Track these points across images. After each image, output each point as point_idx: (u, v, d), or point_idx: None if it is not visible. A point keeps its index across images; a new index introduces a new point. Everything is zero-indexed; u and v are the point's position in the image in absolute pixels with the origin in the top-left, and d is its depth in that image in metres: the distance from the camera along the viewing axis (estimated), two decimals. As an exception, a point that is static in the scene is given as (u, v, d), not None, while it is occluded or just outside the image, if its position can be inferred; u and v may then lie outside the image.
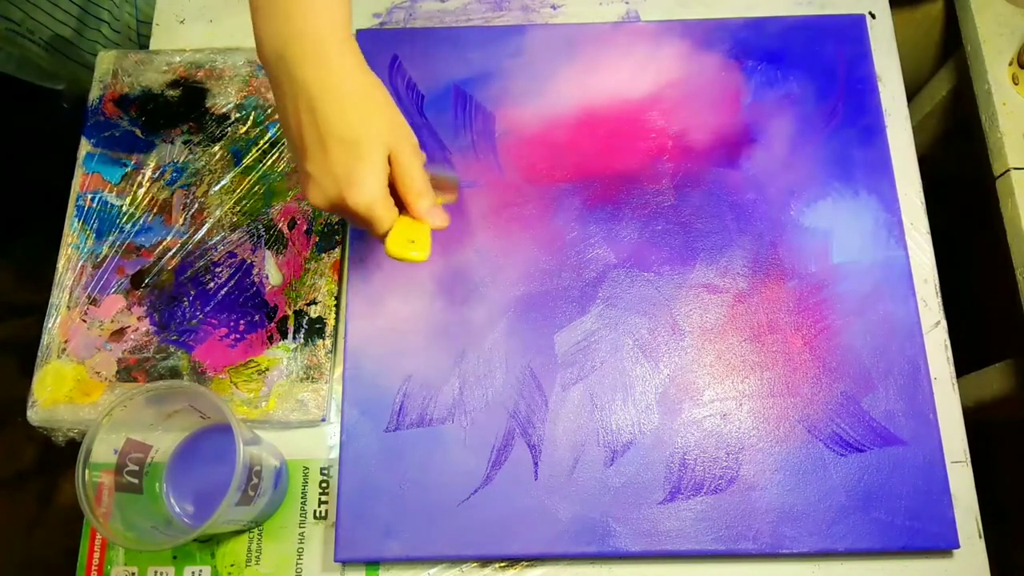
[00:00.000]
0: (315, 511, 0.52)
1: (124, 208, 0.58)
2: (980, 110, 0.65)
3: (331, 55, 0.40)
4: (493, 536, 0.49)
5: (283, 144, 0.60)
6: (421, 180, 0.42)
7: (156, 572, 0.50)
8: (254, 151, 0.60)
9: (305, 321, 0.55)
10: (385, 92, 0.42)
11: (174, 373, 0.54)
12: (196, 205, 0.58)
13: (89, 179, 0.59)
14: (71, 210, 0.58)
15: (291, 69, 0.39)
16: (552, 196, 0.57)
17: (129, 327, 0.55)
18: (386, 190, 0.41)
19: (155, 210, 0.58)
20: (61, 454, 0.54)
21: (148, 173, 0.59)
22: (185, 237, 0.57)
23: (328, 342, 0.54)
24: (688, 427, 0.51)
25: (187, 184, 0.59)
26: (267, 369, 0.54)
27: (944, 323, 0.56)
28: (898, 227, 0.56)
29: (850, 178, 0.57)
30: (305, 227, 0.57)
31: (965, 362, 0.61)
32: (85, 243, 0.57)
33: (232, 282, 0.56)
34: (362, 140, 0.39)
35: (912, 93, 0.83)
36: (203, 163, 0.59)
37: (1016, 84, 0.64)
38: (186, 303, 0.55)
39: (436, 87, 0.60)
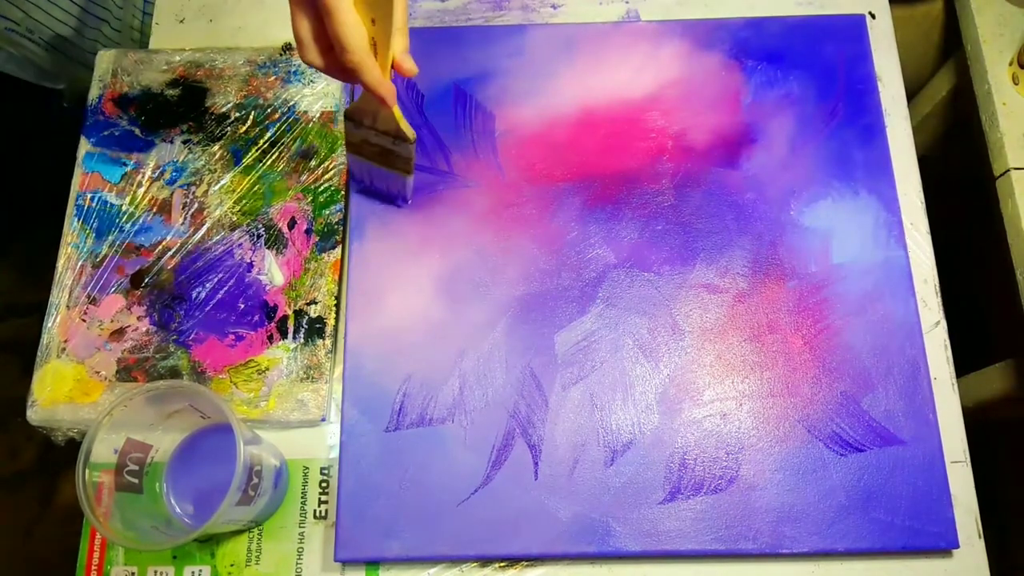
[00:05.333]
0: (315, 511, 0.52)
1: (124, 207, 0.58)
2: (980, 110, 0.65)
3: None
4: (493, 536, 0.49)
5: (283, 144, 0.60)
6: (401, 17, 0.42)
7: (156, 572, 0.50)
8: (254, 151, 0.59)
9: (305, 321, 0.55)
10: None
11: (174, 373, 0.54)
12: (196, 205, 0.58)
13: (89, 178, 0.59)
14: (71, 209, 0.58)
15: None
16: (552, 196, 0.57)
17: (129, 327, 0.55)
18: None
19: (155, 209, 0.58)
20: (61, 454, 0.54)
21: (148, 172, 0.59)
22: (185, 237, 0.57)
23: (328, 342, 0.54)
24: (688, 427, 0.51)
25: (187, 184, 0.59)
26: (267, 369, 0.54)
27: (944, 323, 0.56)
28: (898, 227, 0.56)
29: (850, 178, 0.57)
30: (305, 227, 0.57)
31: (965, 362, 0.61)
32: (85, 243, 0.57)
33: (232, 281, 0.56)
34: None
35: (912, 93, 0.83)
36: (203, 162, 0.59)
37: (1016, 84, 0.64)
38: (186, 303, 0.55)
39: (436, 87, 0.60)
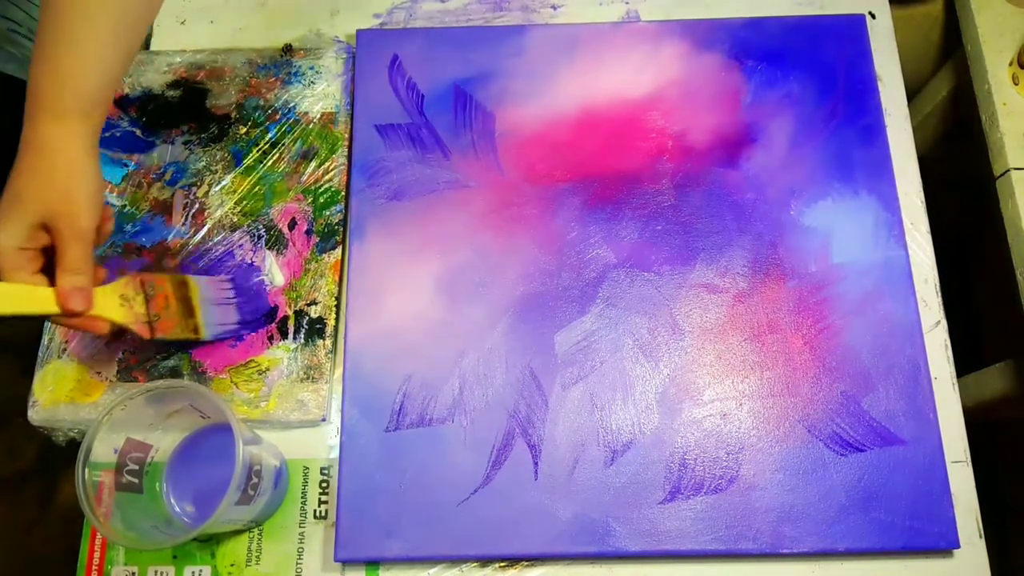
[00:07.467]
0: (315, 511, 0.52)
1: (125, 208, 0.58)
2: (980, 110, 0.65)
3: (46, 119, 0.43)
4: (493, 536, 0.49)
5: (283, 145, 0.60)
6: (72, 259, 0.43)
7: (156, 572, 0.50)
8: (254, 151, 0.60)
9: (305, 321, 0.55)
10: (80, 175, 0.43)
11: (174, 373, 0.54)
12: (197, 205, 0.58)
13: (90, 179, 0.59)
14: (72, 210, 0.58)
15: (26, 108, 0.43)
16: (552, 196, 0.57)
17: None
18: (16, 249, 0.42)
19: (156, 210, 0.58)
20: (61, 454, 0.54)
21: (149, 173, 0.59)
22: (186, 238, 0.57)
23: (328, 342, 0.54)
24: (688, 427, 0.51)
25: (188, 184, 0.59)
26: (267, 369, 0.54)
27: (944, 323, 0.56)
28: (898, 227, 0.56)
29: (850, 178, 0.57)
30: (305, 227, 0.57)
31: (965, 362, 0.61)
32: (85, 243, 0.57)
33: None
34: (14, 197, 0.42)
35: (912, 93, 0.83)
36: (203, 163, 0.59)
37: (1016, 84, 0.64)
38: (186, 303, 0.55)
39: (436, 87, 0.60)
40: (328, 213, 0.58)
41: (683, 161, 0.58)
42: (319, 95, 0.61)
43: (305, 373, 0.54)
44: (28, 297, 0.42)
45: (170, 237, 0.57)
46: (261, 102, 0.61)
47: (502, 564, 0.50)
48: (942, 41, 0.78)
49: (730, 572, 0.50)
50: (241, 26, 0.66)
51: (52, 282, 0.43)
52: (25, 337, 0.60)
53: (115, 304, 0.47)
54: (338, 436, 0.52)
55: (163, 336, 0.49)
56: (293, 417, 0.53)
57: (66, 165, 0.43)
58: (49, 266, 0.43)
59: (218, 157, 0.60)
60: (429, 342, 0.53)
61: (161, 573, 0.50)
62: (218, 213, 0.58)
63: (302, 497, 0.52)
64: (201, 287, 0.52)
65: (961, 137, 0.77)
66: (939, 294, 0.56)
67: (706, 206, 0.57)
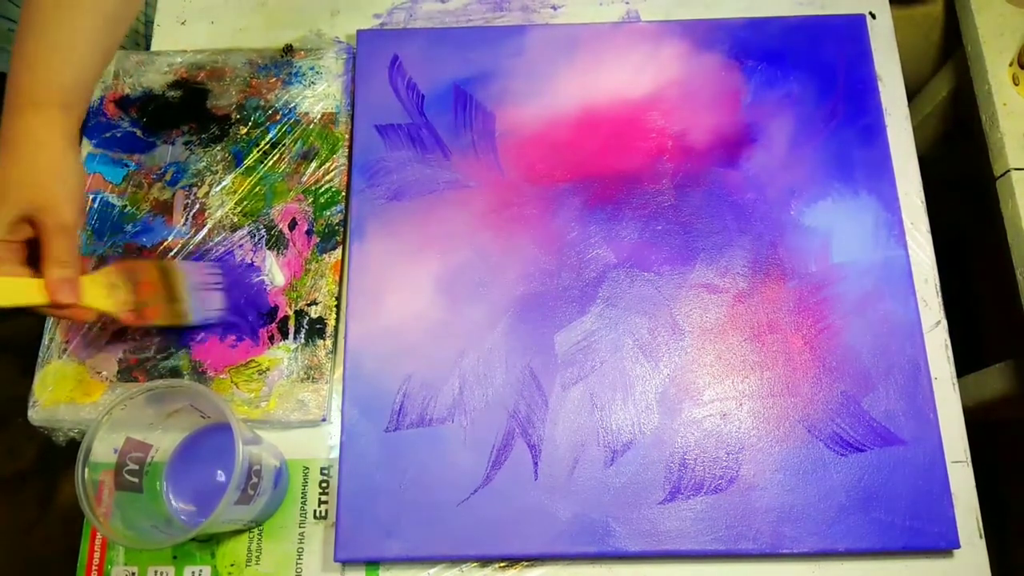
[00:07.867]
0: (315, 511, 0.52)
1: (125, 208, 0.58)
2: (980, 110, 0.65)
3: (27, 112, 0.42)
4: (493, 536, 0.49)
5: (284, 145, 0.60)
6: (57, 252, 0.43)
7: (156, 572, 0.50)
8: (255, 152, 0.60)
9: (306, 321, 0.55)
10: (62, 168, 0.43)
11: (175, 373, 0.54)
12: (197, 206, 0.58)
13: (90, 180, 0.59)
14: (72, 210, 0.58)
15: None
16: (552, 196, 0.57)
17: (130, 327, 0.55)
18: None
19: (156, 211, 0.58)
20: (61, 454, 0.54)
21: (149, 174, 0.59)
22: (186, 238, 0.57)
23: (328, 342, 0.54)
24: (688, 427, 0.51)
25: (188, 185, 0.59)
26: (268, 369, 0.54)
27: (944, 323, 0.56)
28: (898, 227, 0.56)
29: (850, 178, 0.57)
30: (306, 228, 0.57)
31: (965, 362, 0.61)
32: (86, 243, 0.57)
33: (232, 282, 0.56)
34: None
35: (912, 93, 0.83)
36: (204, 164, 0.59)
37: (1016, 84, 0.64)
38: (187, 303, 0.55)
39: (436, 87, 0.60)
40: (328, 213, 0.58)
41: (683, 161, 0.58)
42: (319, 95, 0.61)
43: (305, 373, 0.54)
44: (16, 289, 0.42)
45: (171, 237, 0.57)
46: (262, 102, 0.61)
47: (502, 564, 0.50)
48: (942, 41, 0.78)
49: (730, 572, 0.50)
50: (241, 26, 0.66)
51: (36, 273, 0.43)
52: (25, 337, 0.60)
53: (102, 293, 0.47)
54: (338, 436, 0.52)
55: (151, 322, 0.49)
56: (293, 417, 0.53)
57: (47, 159, 0.42)
58: (32, 257, 0.43)
59: (219, 157, 0.60)
60: (429, 342, 0.54)
61: (161, 573, 0.50)
62: (219, 213, 0.58)
63: (302, 497, 0.52)
64: (187, 272, 0.52)
65: (961, 137, 0.77)
66: (939, 294, 0.56)
67: (706, 206, 0.57)
